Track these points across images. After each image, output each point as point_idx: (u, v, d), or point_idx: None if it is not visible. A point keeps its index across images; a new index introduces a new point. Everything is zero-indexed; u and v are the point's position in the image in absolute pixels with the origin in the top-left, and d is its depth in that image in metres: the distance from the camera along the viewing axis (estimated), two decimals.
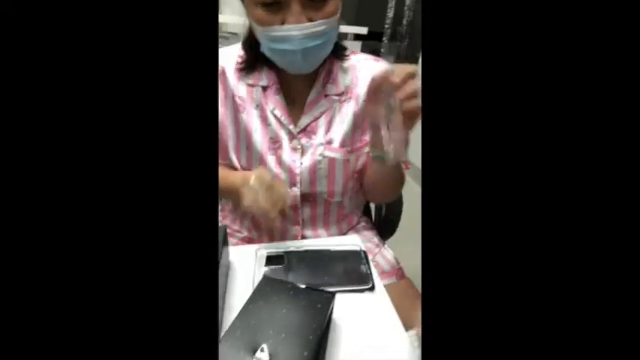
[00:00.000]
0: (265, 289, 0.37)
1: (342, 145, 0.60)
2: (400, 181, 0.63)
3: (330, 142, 0.60)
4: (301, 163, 0.60)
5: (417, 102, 0.43)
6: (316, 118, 0.60)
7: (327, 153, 0.60)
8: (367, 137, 0.62)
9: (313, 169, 0.60)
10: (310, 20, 0.47)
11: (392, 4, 2.51)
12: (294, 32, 0.46)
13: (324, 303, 0.36)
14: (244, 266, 0.49)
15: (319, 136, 0.60)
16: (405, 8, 2.56)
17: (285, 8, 0.46)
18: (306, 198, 0.64)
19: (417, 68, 0.43)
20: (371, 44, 2.67)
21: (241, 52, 0.59)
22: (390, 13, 2.55)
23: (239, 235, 0.72)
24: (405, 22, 2.61)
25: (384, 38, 2.64)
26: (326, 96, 0.60)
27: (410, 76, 0.42)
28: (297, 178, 0.61)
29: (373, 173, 0.62)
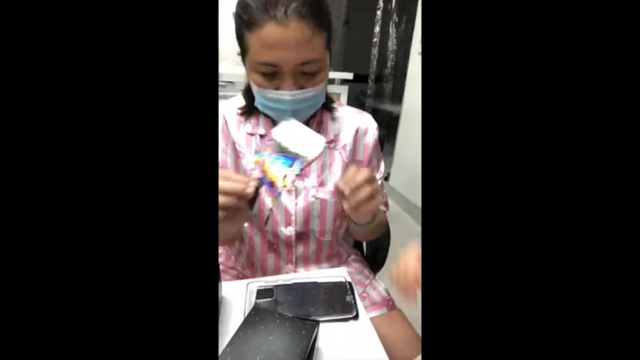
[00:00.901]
0: (254, 318, 0.40)
1: (334, 189, 0.66)
2: (378, 227, 0.69)
3: (321, 185, 0.66)
4: (296, 204, 0.65)
5: (367, 206, 0.51)
6: (309, 163, 0.65)
7: (320, 195, 0.65)
8: None
9: (307, 210, 0.66)
10: (301, 88, 0.54)
11: (375, 50, 2.71)
12: (286, 97, 0.54)
13: (308, 330, 0.39)
14: (236, 300, 0.52)
15: (312, 179, 0.65)
16: (388, 52, 2.76)
17: (280, 78, 0.53)
18: (300, 237, 0.68)
19: (368, 173, 0.51)
20: (358, 86, 2.84)
21: (240, 103, 0.66)
22: (374, 58, 2.75)
23: (233, 272, 0.75)
24: (389, 65, 2.80)
25: (369, 81, 2.81)
26: None
27: (361, 184, 0.50)
28: (292, 218, 0.66)
29: (350, 228, 0.70)
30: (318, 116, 0.67)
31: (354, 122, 0.69)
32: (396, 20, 2.64)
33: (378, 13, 2.59)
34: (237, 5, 0.52)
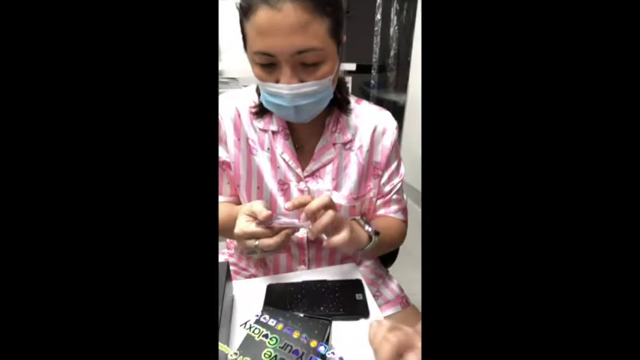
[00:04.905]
0: (265, 319, 0.40)
1: (350, 193, 0.64)
2: (382, 248, 0.66)
3: (336, 188, 0.64)
4: None
5: (338, 238, 0.50)
6: (324, 165, 0.63)
7: (334, 199, 0.62)
8: (371, 184, 0.66)
9: None
10: (302, 81, 0.50)
11: (377, 39, 2.66)
12: (284, 91, 0.50)
13: (321, 329, 0.39)
14: (248, 299, 0.52)
15: (326, 182, 0.63)
16: (391, 41, 2.71)
17: (279, 69, 0.49)
18: (313, 239, 0.66)
19: (327, 200, 0.51)
20: (362, 77, 2.80)
21: (255, 97, 0.63)
22: (377, 47, 2.70)
23: (245, 272, 0.74)
24: (392, 54, 2.75)
25: (372, 71, 2.77)
26: (334, 144, 0.63)
27: (323, 207, 0.50)
28: None
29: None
30: (334, 114, 0.63)
31: (372, 121, 0.66)
32: (397, 7, 2.58)
33: (379, 0, 2.54)
34: None
